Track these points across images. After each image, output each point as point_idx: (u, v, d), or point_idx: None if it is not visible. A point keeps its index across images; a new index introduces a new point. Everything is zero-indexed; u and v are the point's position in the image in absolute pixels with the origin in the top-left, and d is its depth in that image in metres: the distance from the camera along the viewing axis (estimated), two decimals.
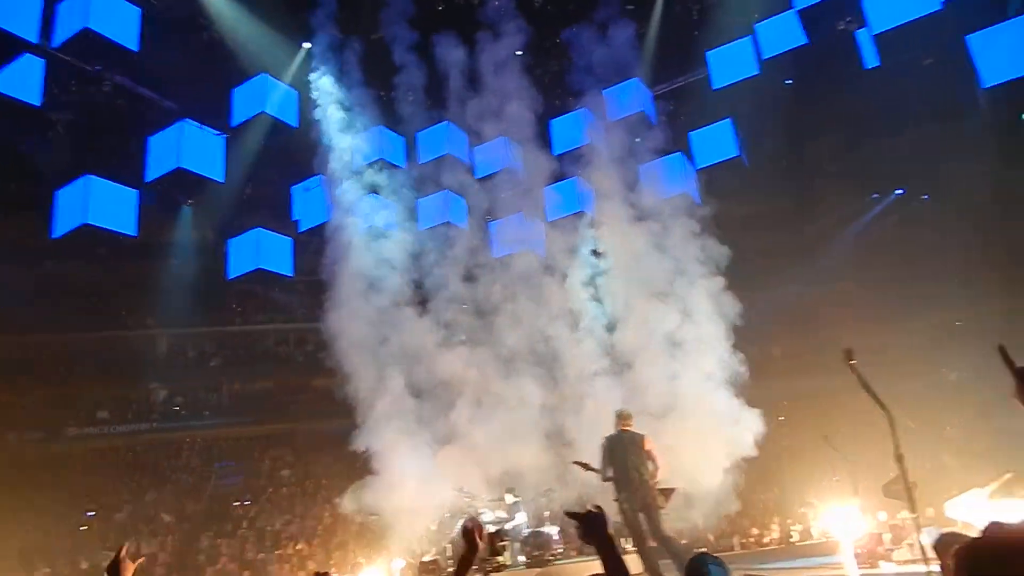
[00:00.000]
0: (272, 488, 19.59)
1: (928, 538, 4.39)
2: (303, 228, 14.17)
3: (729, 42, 12.76)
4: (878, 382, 4.38)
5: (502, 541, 9.57)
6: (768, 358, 12.39)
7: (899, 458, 4.38)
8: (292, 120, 12.90)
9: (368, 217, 13.27)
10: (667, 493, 8.27)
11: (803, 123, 14.62)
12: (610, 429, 8.33)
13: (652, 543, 7.96)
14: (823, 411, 17.23)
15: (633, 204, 12.79)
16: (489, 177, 13.46)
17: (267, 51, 13.05)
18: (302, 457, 21.20)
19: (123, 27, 10.64)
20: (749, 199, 15.98)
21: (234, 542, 16.51)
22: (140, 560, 3.39)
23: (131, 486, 18.98)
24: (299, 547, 16.09)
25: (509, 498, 10.59)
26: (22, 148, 14.00)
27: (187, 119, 12.29)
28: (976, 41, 10.82)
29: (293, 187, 14.25)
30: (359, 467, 12.68)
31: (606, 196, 13.04)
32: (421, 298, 13.15)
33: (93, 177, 11.93)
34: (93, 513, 17.38)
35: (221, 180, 12.68)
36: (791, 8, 11.54)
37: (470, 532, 2.88)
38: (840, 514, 10.36)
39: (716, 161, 13.16)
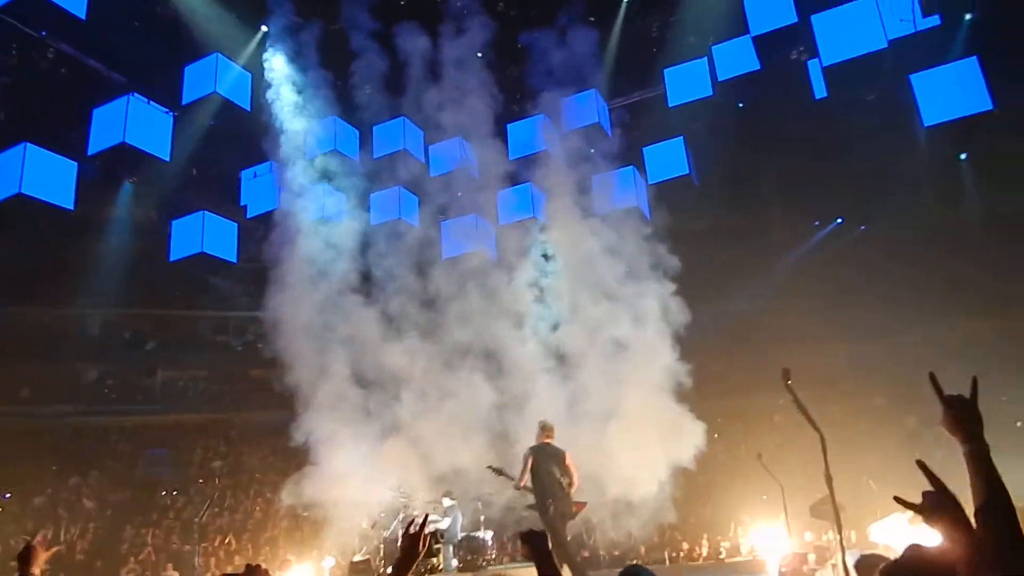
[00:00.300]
0: (202, 479, 19.09)
1: (851, 559, 4.52)
2: (251, 214, 13.92)
3: (686, 61, 13.03)
4: (808, 403, 4.50)
5: (437, 543, 9.57)
6: (707, 373, 12.64)
7: (828, 479, 4.49)
8: (244, 103, 12.66)
9: (317, 207, 13.11)
10: (579, 506, 9.05)
11: (752, 146, 15.00)
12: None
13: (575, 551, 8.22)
14: (757, 429, 17.66)
15: (584, 212, 12.97)
16: (443, 176, 13.44)
17: (223, 31, 12.79)
18: (235, 448, 20.73)
19: None
20: (696, 216, 16.30)
21: (159, 532, 16.03)
22: (55, 548, 3.26)
23: (53, 470, 18.24)
24: (227, 540, 15.71)
25: (446, 501, 10.56)
26: None
27: (135, 93, 11.91)
28: (919, 81, 11.25)
29: (242, 171, 13.98)
30: (294, 461, 12.50)
31: (558, 203, 13.18)
32: (366, 291, 13.04)
33: (31, 145, 11.48)
34: (8, 496, 16.64)
35: (167, 159, 12.32)
36: (747, 34, 11.83)
37: (416, 536, 2.77)
38: (768, 533, 10.64)
39: (667, 177, 13.37)
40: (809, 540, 10.73)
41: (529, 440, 9.38)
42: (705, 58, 12.75)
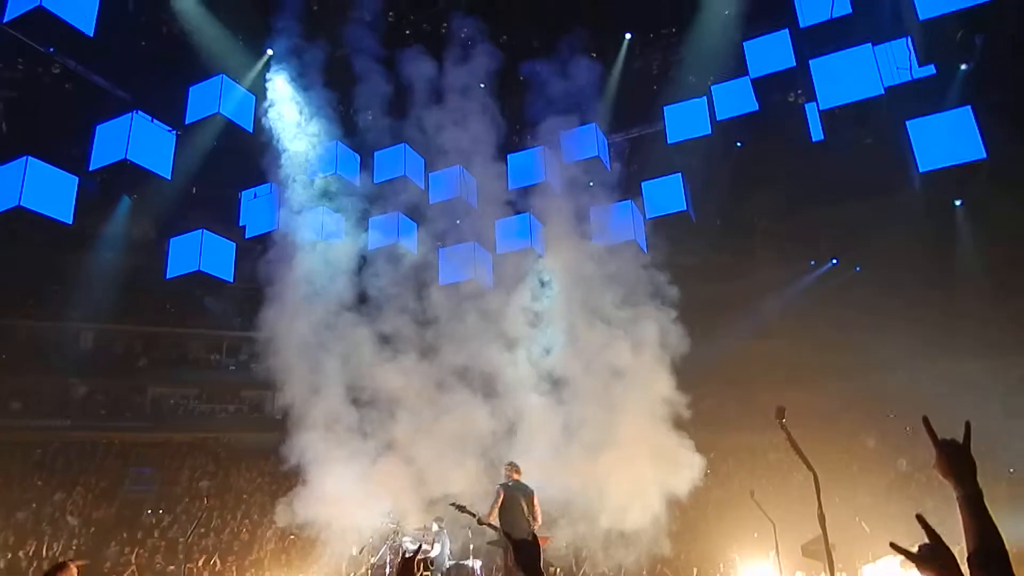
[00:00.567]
0: (189, 498, 18.87)
1: None
2: (249, 235, 13.95)
3: (685, 100, 13.20)
4: (800, 443, 4.50)
5: (427, 570, 9.48)
6: (700, 408, 12.61)
7: (821, 518, 4.45)
8: (247, 124, 12.75)
9: (316, 230, 13.17)
10: (543, 541, 9.01)
11: (749, 185, 15.15)
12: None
13: None
14: (749, 466, 17.59)
15: (582, 244, 13.05)
16: (442, 203, 13.53)
17: (229, 52, 12.94)
18: (223, 468, 20.53)
19: (80, 10, 10.38)
20: (692, 252, 16.42)
21: (143, 552, 15.78)
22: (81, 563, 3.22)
23: (38, 484, 18.02)
24: (212, 562, 15.46)
25: (435, 527, 10.47)
26: None
27: (139, 111, 12.01)
28: (915, 127, 11.37)
29: (242, 192, 14.05)
30: (284, 483, 12.39)
31: (556, 234, 13.29)
32: (362, 315, 13.04)
33: (32, 158, 11.53)
34: None
35: (168, 177, 12.38)
36: (746, 75, 12.00)
37: (408, 564, 2.77)
38: (759, 571, 10.55)
39: (665, 213, 13.44)
40: None
41: (529, 468, 9.47)
42: (704, 97, 12.90)
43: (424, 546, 10.20)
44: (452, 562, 10.09)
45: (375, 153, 13.60)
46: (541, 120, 13.27)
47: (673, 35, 14.14)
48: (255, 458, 20.24)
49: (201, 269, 13.08)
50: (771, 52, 11.73)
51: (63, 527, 16.38)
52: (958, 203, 16.09)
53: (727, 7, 12.96)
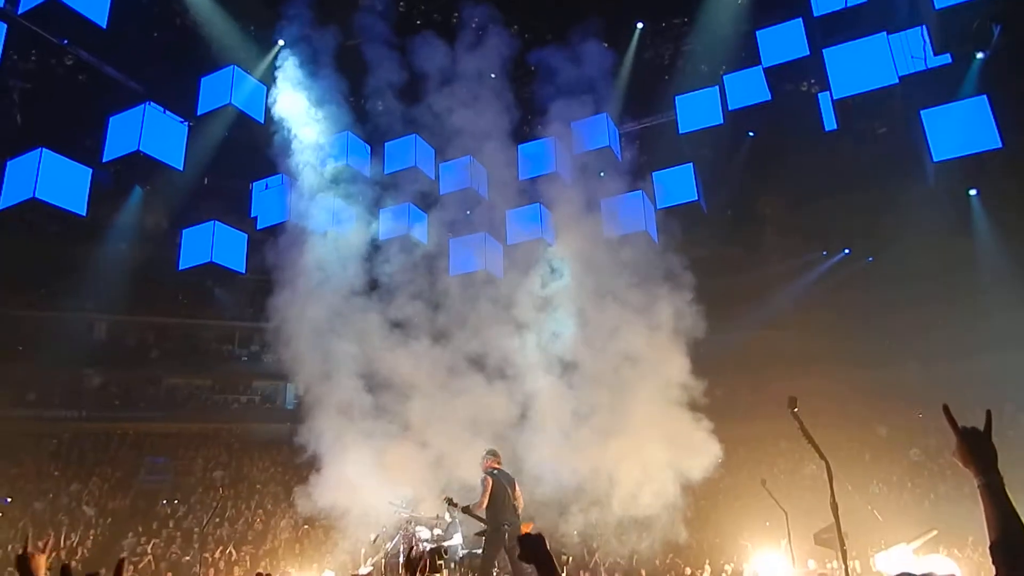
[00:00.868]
0: (203, 488, 19.05)
1: None
2: (261, 226, 14.00)
3: (697, 90, 13.12)
4: (812, 432, 4.49)
5: (441, 559, 9.50)
6: (711, 397, 12.60)
7: (834, 507, 4.46)
8: (259, 115, 12.78)
9: (327, 221, 13.20)
10: (527, 527, 9.38)
11: (761, 175, 15.06)
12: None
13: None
14: (761, 455, 17.57)
15: (593, 234, 13.03)
16: (453, 194, 13.53)
17: (240, 44, 12.98)
18: (237, 458, 20.70)
19: (94, 2, 10.45)
20: (703, 242, 16.36)
21: (159, 541, 15.95)
22: (54, 553, 3.23)
23: (55, 475, 18.23)
24: (227, 551, 15.60)
25: (448, 516, 10.51)
26: None
27: (151, 102, 12.06)
28: (929, 116, 11.26)
29: (254, 183, 14.09)
30: (297, 473, 12.45)
31: (567, 223, 13.26)
32: (373, 305, 13.08)
33: (47, 150, 11.61)
34: (9, 500, 16.62)
35: (180, 168, 12.45)
36: (758, 65, 11.91)
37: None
38: (771, 559, 10.56)
39: (676, 203, 13.40)
40: (813, 568, 10.63)
41: (542, 454, 9.52)
42: (716, 87, 12.83)
43: (436, 532, 10.23)
44: (466, 551, 10.12)
45: (385, 144, 13.61)
46: (552, 110, 13.23)
47: (685, 24, 14.07)
48: (268, 448, 20.40)
49: (213, 260, 13.16)
50: (784, 41, 11.66)
51: (79, 517, 16.57)
52: (973, 192, 15.94)
53: None
